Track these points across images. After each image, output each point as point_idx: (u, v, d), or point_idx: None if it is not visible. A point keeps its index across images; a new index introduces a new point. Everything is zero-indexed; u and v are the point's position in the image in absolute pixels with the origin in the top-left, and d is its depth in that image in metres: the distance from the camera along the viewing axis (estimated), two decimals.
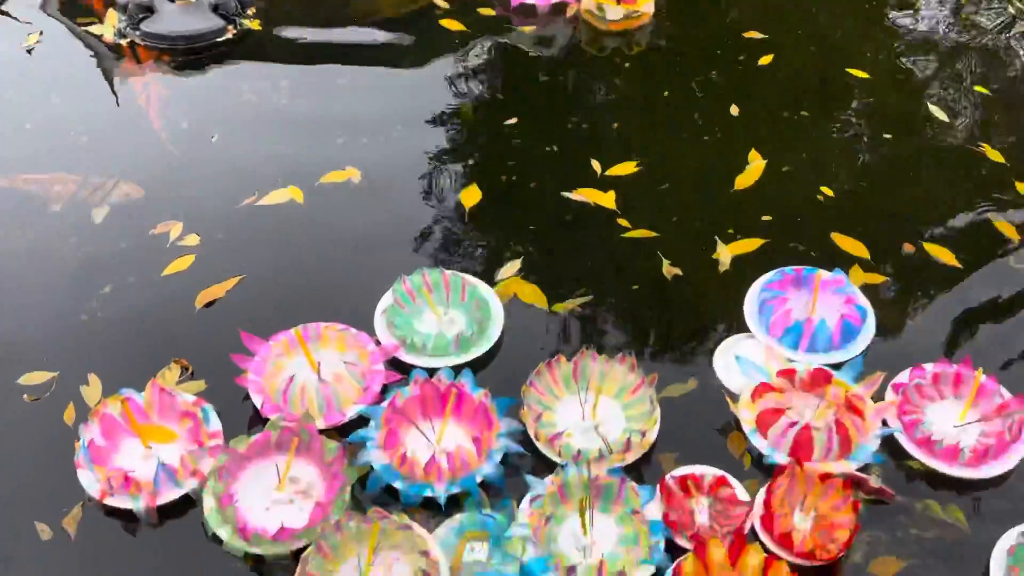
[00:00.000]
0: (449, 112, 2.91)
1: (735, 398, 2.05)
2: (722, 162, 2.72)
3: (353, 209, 2.55)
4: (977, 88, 3.03)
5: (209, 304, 2.24)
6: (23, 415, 2.02)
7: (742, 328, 2.24)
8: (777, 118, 2.90)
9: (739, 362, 2.13)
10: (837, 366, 2.10)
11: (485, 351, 2.13)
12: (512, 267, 2.37)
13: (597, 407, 1.97)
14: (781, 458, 1.92)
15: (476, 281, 2.26)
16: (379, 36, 3.25)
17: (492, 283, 2.32)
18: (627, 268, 2.42)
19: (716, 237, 2.45)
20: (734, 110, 2.89)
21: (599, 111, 2.91)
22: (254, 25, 3.23)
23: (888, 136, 2.85)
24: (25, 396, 2.04)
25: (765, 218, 2.54)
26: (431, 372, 2.02)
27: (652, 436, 1.95)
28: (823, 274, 2.26)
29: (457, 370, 2.02)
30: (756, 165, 2.70)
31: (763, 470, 1.95)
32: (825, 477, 1.86)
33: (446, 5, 3.32)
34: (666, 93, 2.98)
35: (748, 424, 1.98)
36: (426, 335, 2.11)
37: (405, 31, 3.26)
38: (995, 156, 2.78)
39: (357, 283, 2.30)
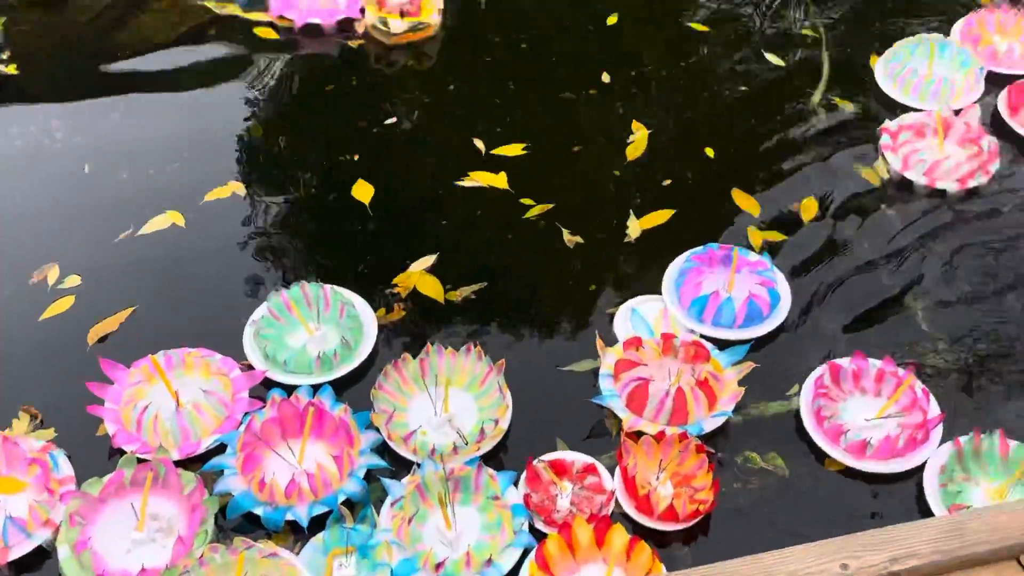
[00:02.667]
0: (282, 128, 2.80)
1: (609, 343, 2.07)
2: (604, 136, 2.68)
3: (240, 225, 2.50)
4: (805, 32, 3.01)
5: (102, 340, 2.20)
6: None
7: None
8: (639, 85, 2.85)
9: (633, 315, 2.16)
10: (733, 343, 2.11)
11: (356, 367, 2.08)
12: (424, 262, 2.34)
13: (448, 401, 1.92)
14: (616, 403, 1.95)
15: (354, 297, 2.21)
16: (161, 61, 2.99)
17: (395, 276, 2.30)
18: (527, 246, 2.40)
19: (630, 210, 2.45)
20: (605, 78, 2.84)
21: (463, 108, 2.82)
22: (10, 70, 2.91)
23: (744, 88, 2.83)
24: None
25: (665, 183, 2.53)
26: (291, 390, 1.97)
27: (505, 423, 1.91)
28: (748, 255, 2.26)
29: (319, 387, 1.98)
30: (641, 135, 2.66)
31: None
32: (682, 438, 1.83)
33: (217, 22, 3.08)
34: (511, 86, 2.87)
35: (606, 367, 2.01)
36: (289, 352, 2.08)
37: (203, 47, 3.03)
38: (847, 105, 2.76)
39: (245, 301, 2.25)
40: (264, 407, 1.95)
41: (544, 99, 2.80)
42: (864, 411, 2.00)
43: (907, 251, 2.37)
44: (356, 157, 2.63)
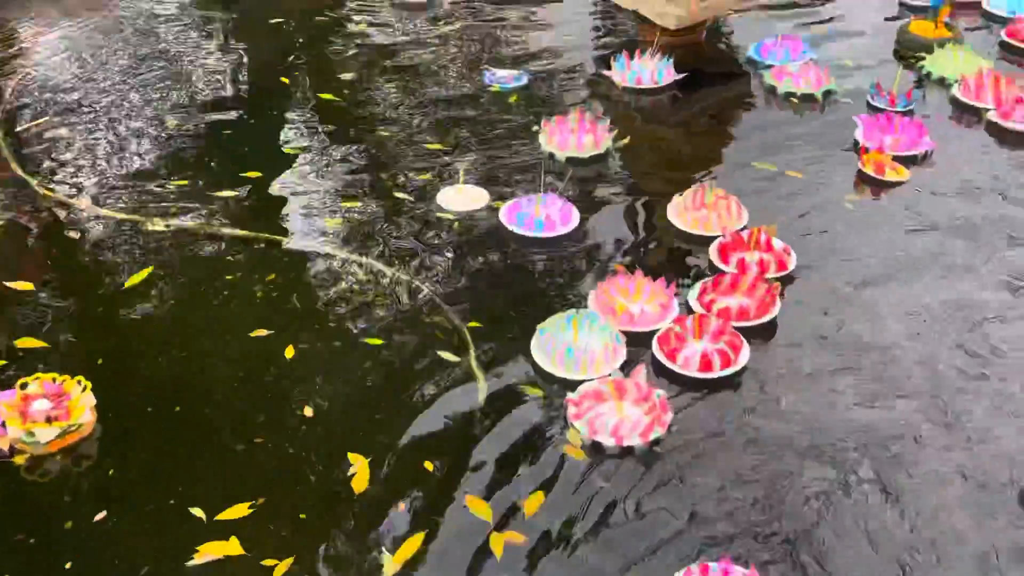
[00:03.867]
0: None
1: None
2: (326, 473, 2.68)
3: None
4: (471, 324, 3.19)
5: None
6: None
7: None
8: (342, 411, 2.89)
9: None
10: None
11: None
12: None
13: None
14: None
15: None
16: None
17: None
18: None
19: (381, 547, 2.46)
20: (307, 411, 2.85)
21: (163, 484, 2.65)
22: None
23: (432, 392, 2.95)
24: None
25: (401, 506, 2.57)
26: None
27: None
28: None
29: None
30: (362, 465, 2.69)
31: None
32: None
33: None
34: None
35: None
36: None
37: None
38: (533, 390, 2.96)
39: None
40: None
41: (249, 449, 2.75)
42: None
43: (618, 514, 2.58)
44: (68, 566, 2.41)
